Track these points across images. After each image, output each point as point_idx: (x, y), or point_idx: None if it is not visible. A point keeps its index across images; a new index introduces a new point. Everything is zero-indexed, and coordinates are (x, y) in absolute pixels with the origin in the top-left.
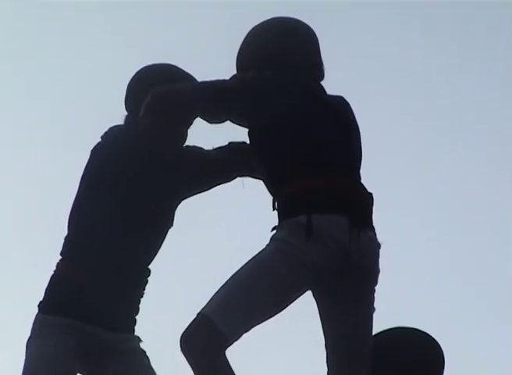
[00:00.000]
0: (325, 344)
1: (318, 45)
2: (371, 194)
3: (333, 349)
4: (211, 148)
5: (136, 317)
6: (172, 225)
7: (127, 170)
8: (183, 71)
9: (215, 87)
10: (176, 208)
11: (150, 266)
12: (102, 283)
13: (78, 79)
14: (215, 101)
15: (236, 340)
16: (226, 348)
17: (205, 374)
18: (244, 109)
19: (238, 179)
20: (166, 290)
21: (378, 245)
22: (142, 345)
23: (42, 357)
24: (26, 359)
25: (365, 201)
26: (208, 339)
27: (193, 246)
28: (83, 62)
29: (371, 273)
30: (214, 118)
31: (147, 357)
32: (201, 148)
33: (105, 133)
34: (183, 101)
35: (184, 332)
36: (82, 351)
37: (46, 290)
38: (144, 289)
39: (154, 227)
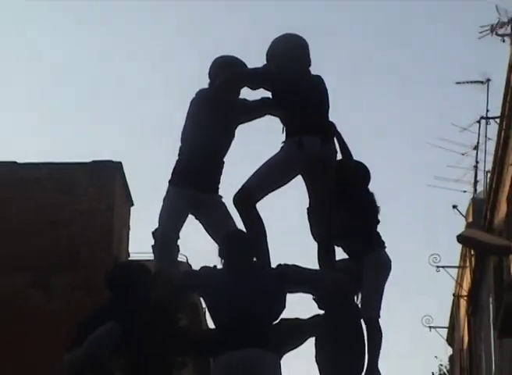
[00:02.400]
0: (309, 196)
1: (308, 49)
2: (333, 124)
3: (314, 201)
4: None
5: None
6: (234, 136)
7: (211, 108)
8: (238, 59)
9: (256, 72)
10: (236, 127)
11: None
12: (205, 165)
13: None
14: (256, 78)
15: (257, 195)
16: (253, 199)
17: (244, 216)
18: (270, 84)
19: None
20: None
21: (336, 151)
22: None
23: (170, 203)
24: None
25: (330, 128)
26: (241, 193)
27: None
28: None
29: (330, 165)
30: (254, 87)
31: (226, 207)
32: (246, 99)
33: (198, 91)
34: (241, 77)
35: (234, 195)
36: (193, 204)
37: (172, 172)
38: (223, 169)
39: (227, 136)
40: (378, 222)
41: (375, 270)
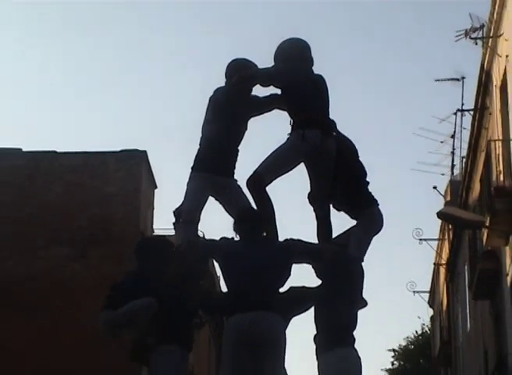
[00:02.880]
0: (310, 181)
1: (311, 50)
2: (333, 121)
3: (315, 185)
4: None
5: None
6: (247, 128)
7: (227, 104)
8: (251, 61)
9: (266, 71)
10: (248, 120)
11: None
12: (222, 154)
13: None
14: (266, 78)
15: (267, 179)
16: (263, 182)
17: (256, 197)
18: (278, 82)
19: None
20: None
21: (334, 144)
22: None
23: (193, 186)
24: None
25: (329, 124)
26: (253, 177)
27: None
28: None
29: (331, 156)
30: (265, 84)
31: (240, 188)
32: (257, 96)
33: (215, 89)
34: (253, 77)
35: (248, 179)
36: (212, 187)
37: (194, 159)
38: (237, 156)
39: (241, 128)
40: (367, 183)
41: (368, 222)
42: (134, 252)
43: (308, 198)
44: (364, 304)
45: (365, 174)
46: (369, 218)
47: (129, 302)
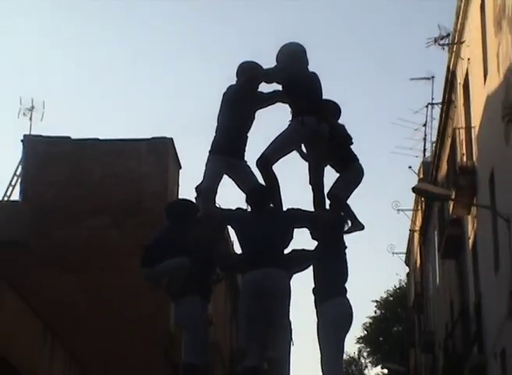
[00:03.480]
0: (309, 169)
1: (306, 52)
2: (328, 112)
3: (312, 162)
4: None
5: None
6: (254, 118)
7: (238, 98)
8: (257, 63)
9: (270, 71)
10: (255, 112)
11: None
12: (235, 140)
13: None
14: (268, 76)
15: (272, 159)
16: (270, 162)
17: (264, 174)
18: (280, 79)
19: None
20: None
21: (328, 127)
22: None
23: (210, 166)
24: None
25: (324, 112)
26: (261, 158)
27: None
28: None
29: (325, 137)
30: (269, 82)
31: (250, 168)
32: (263, 92)
33: (228, 87)
34: (259, 76)
35: (257, 160)
36: (227, 167)
37: (211, 144)
38: (247, 141)
39: (250, 117)
40: (352, 143)
41: (352, 174)
42: (166, 212)
43: (308, 169)
44: (362, 227)
45: (351, 138)
46: (353, 171)
47: (162, 258)
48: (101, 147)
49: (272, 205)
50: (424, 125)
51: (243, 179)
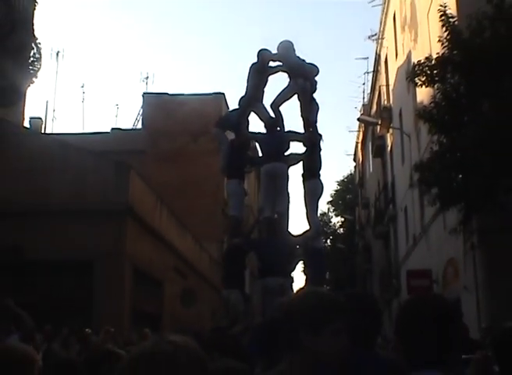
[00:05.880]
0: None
1: (294, 47)
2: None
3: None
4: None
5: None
6: (267, 83)
7: (258, 73)
8: (269, 50)
9: (275, 55)
10: (268, 77)
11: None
12: (256, 96)
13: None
14: (275, 59)
15: (280, 104)
16: (277, 105)
17: (274, 112)
18: (278, 61)
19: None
20: None
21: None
22: None
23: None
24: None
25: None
26: (272, 103)
27: None
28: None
29: (306, 91)
30: (275, 61)
31: None
32: (271, 66)
33: (251, 64)
34: (266, 62)
35: (270, 103)
36: (251, 106)
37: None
38: (264, 95)
39: (264, 83)
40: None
41: (316, 108)
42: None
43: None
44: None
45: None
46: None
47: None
48: (186, 97)
49: (278, 129)
50: (363, 84)
51: (261, 112)
